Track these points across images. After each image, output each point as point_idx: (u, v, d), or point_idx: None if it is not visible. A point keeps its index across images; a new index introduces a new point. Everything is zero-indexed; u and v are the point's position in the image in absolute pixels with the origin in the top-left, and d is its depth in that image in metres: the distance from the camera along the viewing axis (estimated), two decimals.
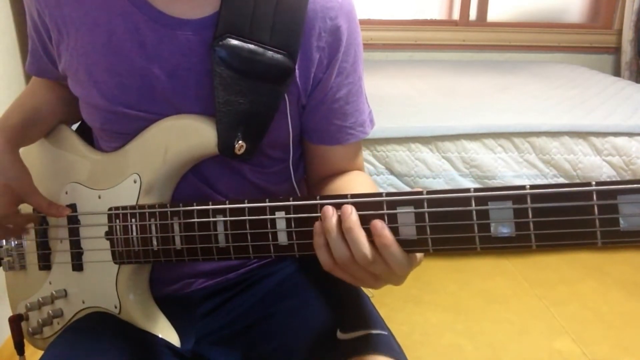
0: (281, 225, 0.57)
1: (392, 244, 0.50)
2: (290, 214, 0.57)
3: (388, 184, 2.00)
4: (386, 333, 0.67)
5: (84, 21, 0.66)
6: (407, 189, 2.00)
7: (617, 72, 3.34)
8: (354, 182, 0.72)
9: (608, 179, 2.02)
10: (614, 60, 3.43)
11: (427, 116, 2.09)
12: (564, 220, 0.46)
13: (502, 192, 0.48)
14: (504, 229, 0.48)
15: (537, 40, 3.39)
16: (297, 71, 0.66)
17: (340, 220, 0.52)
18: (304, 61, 0.66)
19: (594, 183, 0.45)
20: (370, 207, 0.53)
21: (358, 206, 0.53)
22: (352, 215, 0.51)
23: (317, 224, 0.53)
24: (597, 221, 0.45)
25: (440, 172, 2.00)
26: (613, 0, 3.36)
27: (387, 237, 0.50)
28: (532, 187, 0.47)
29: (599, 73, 2.98)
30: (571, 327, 1.68)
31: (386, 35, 3.29)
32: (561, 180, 2.04)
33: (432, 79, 2.72)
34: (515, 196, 0.47)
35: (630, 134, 2.02)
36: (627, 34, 3.21)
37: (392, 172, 2.00)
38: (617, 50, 3.37)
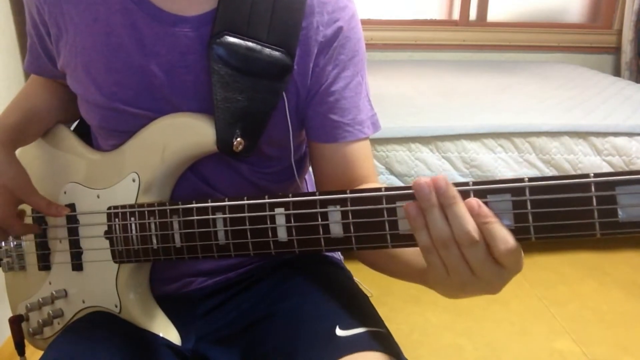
0: (281, 221, 0.57)
1: (495, 221, 0.47)
2: (289, 210, 0.57)
3: (388, 184, 2.00)
4: (384, 331, 0.67)
5: (82, 17, 0.66)
6: None
7: (617, 72, 3.34)
8: None
9: None
10: (614, 60, 3.43)
11: (427, 116, 2.09)
12: (563, 211, 0.46)
13: (501, 185, 0.48)
14: (503, 221, 0.47)
15: (537, 40, 3.39)
16: (295, 67, 0.66)
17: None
18: (303, 57, 0.66)
19: (592, 175, 0.45)
20: (369, 202, 0.53)
21: (357, 202, 0.53)
22: (449, 189, 0.47)
23: (410, 205, 0.49)
24: (595, 212, 0.45)
25: (440, 172, 2.00)
26: (613, 0, 3.36)
27: (487, 213, 0.47)
28: (531, 179, 0.47)
29: (599, 73, 2.98)
30: (571, 327, 1.68)
31: (386, 35, 3.29)
32: None
33: (432, 79, 2.72)
34: (514, 189, 0.47)
35: (630, 134, 2.02)
36: (627, 34, 3.21)
37: (392, 172, 2.00)
38: (617, 50, 3.37)
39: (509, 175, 2.02)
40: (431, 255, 0.50)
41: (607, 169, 2.03)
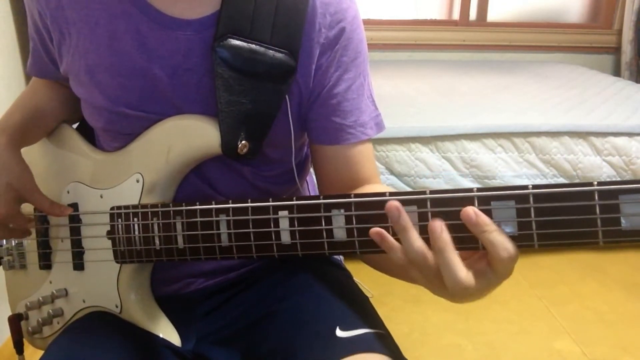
0: (284, 224, 0.57)
1: (494, 229, 0.47)
2: (293, 214, 0.57)
3: (388, 184, 2.00)
4: (385, 332, 0.67)
5: (85, 22, 0.66)
6: (408, 190, 2.00)
7: (617, 72, 3.34)
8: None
9: (608, 179, 2.03)
10: (614, 60, 3.43)
11: (427, 116, 2.09)
12: (566, 219, 0.46)
13: (505, 192, 0.48)
14: (507, 229, 0.48)
15: (537, 40, 3.39)
16: (298, 69, 0.66)
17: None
18: (305, 59, 0.66)
19: (595, 183, 0.45)
20: (373, 207, 0.53)
21: (362, 206, 0.53)
22: (443, 233, 0.48)
23: (373, 231, 0.51)
24: (598, 220, 0.45)
25: (440, 172, 2.00)
26: (613, 0, 3.36)
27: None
28: (535, 187, 0.47)
29: (599, 73, 2.98)
30: (571, 327, 1.68)
31: (386, 35, 3.29)
32: (561, 180, 2.05)
33: (432, 79, 2.72)
34: (517, 196, 0.48)
35: (630, 134, 2.03)
36: (627, 34, 3.21)
37: (392, 172, 2.00)
38: (617, 50, 3.38)
39: (509, 175, 2.02)
40: (411, 272, 0.51)
41: (607, 169, 2.04)
